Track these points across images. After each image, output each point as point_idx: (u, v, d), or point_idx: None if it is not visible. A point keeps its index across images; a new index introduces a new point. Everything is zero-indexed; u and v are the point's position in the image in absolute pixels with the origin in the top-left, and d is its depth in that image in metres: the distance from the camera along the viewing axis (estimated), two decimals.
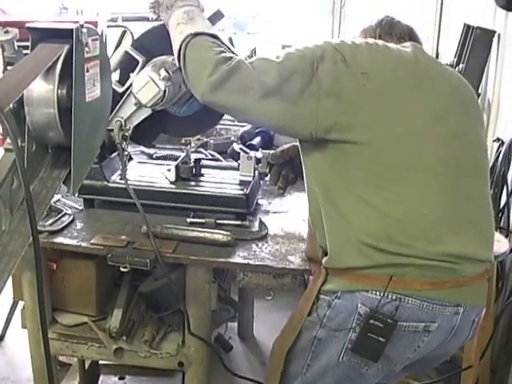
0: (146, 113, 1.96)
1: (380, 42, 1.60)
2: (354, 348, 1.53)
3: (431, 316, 1.51)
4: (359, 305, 1.51)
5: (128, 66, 1.93)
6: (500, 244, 2.66)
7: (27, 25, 1.23)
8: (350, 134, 1.50)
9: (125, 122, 1.94)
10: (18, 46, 2.10)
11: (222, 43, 1.63)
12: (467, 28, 3.25)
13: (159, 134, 2.13)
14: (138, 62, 1.91)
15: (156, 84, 1.79)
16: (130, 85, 1.87)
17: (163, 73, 1.79)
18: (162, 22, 1.82)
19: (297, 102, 1.50)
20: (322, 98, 1.50)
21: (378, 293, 1.50)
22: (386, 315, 1.48)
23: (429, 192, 1.51)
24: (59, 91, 1.20)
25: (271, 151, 1.97)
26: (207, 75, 1.52)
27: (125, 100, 1.92)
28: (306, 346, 1.63)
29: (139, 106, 1.89)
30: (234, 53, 1.59)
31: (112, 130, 1.87)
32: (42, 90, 1.19)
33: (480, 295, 1.63)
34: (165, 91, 1.80)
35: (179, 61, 1.63)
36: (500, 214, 3.05)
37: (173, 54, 1.71)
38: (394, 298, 1.49)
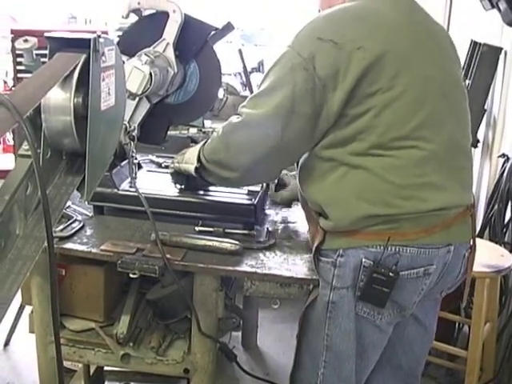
0: (145, 108, 2.05)
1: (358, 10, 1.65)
2: (362, 296, 1.65)
3: (429, 260, 1.65)
4: (363, 259, 1.63)
5: None
6: (504, 259, 2.68)
7: (46, 34, 1.25)
8: (353, 110, 1.59)
9: (128, 123, 1.99)
10: (37, 55, 2.15)
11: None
12: (474, 44, 3.28)
13: (168, 129, 2.20)
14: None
15: (140, 69, 1.86)
16: None
17: (144, 58, 1.88)
18: (131, 23, 2.10)
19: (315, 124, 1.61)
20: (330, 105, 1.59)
21: (378, 247, 1.62)
22: (388, 268, 1.61)
23: (421, 156, 1.60)
24: (75, 99, 1.22)
25: None
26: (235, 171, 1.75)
27: None
28: (319, 316, 1.73)
29: (132, 97, 1.93)
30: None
31: None
32: (59, 97, 1.21)
33: (466, 232, 1.77)
34: (150, 74, 1.87)
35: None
36: (505, 230, 3.06)
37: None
38: (393, 250, 1.61)
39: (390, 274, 1.61)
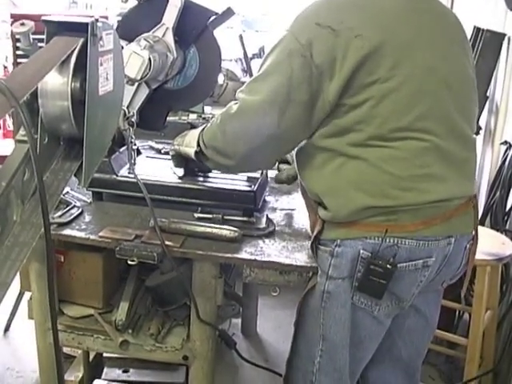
0: (144, 93, 2.04)
1: None
2: (360, 287, 1.63)
3: (428, 252, 1.62)
4: (361, 250, 1.61)
5: None
6: (505, 246, 2.67)
7: (43, 18, 1.23)
8: (351, 100, 1.56)
9: (127, 108, 1.98)
10: (34, 39, 2.13)
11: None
12: (477, 31, 3.26)
13: (167, 115, 2.19)
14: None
15: (139, 54, 1.85)
16: None
17: (143, 43, 1.87)
18: (130, 8, 2.09)
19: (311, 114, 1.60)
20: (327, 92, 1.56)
21: (376, 238, 1.60)
22: (385, 260, 1.59)
23: (422, 147, 1.58)
24: (73, 84, 1.21)
25: None
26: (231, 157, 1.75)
27: None
28: (316, 305, 1.72)
29: (131, 82, 1.92)
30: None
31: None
32: (56, 82, 1.19)
33: (467, 223, 1.74)
34: (149, 59, 1.85)
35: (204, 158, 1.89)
36: (506, 218, 3.05)
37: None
38: (391, 242, 1.59)
39: (388, 266, 1.59)
